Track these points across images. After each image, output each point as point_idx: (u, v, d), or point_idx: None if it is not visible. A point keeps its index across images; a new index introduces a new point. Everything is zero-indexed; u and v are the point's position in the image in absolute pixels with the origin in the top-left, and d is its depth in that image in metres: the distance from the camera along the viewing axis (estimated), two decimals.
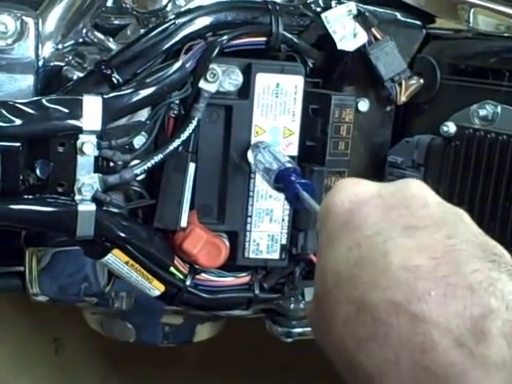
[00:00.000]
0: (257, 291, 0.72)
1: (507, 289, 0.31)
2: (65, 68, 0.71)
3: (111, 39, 0.76)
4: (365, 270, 0.34)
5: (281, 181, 0.58)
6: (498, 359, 0.30)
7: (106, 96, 0.62)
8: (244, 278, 0.72)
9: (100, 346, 1.32)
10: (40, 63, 0.71)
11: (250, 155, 0.67)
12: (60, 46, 0.74)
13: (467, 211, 0.64)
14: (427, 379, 0.31)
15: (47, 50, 0.73)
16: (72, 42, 0.75)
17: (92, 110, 0.61)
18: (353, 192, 0.38)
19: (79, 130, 0.60)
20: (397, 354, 0.31)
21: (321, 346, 0.38)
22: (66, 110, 0.60)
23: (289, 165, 0.60)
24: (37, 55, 0.70)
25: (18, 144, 0.59)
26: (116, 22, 0.81)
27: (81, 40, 0.76)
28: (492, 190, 0.64)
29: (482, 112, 0.66)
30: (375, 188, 0.38)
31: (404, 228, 0.34)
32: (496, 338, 0.30)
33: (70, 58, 0.74)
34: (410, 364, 0.31)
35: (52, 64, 0.73)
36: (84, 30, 0.74)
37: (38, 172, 0.61)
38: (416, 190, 0.37)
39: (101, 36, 0.74)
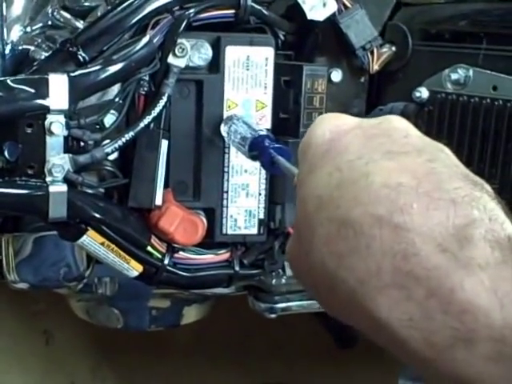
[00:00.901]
0: (237, 268, 0.72)
1: (490, 205, 0.32)
2: (32, 50, 0.70)
3: (81, 21, 0.75)
4: (346, 190, 0.34)
5: (255, 148, 0.58)
6: (482, 261, 0.30)
7: (72, 74, 0.61)
8: (223, 255, 0.72)
9: (90, 336, 1.32)
10: (8, 47, 0.70)
11: (223, 128, 0.67)
12: (28, 29, 0.73)
13: None
14: (409, 282, 0.31)
15: (15, 33, 0.72)
16: (41, 24, 0.74)
17: (58, 89, 0.60)
18: (334, 123, 0.39)
19: (46, 110, 0.60)
20: (379, 263, 0.32)
21: (300, 281, 0.39)
22: (32, 90, 0.59)
23: (262, 132, 0.59)
24: (2, 36, 0.69)
25: None
26: (86, 3, 0.79)
27: (50, 23, 0.75)
28: (466, 154, 0.63)
29: (454, 76, 0.65)
30: (356, 120, 0.39)
31: (385, 152, 0.35)
32: (479, 242, 0.30)
33: (40, 41, 0.73)
34: (391, 271, 0.31)
35: (21, 48, 0.72)
36: (50, 11, 0.73)
37: (6, 154, 0.60)
38: (397, 122, 0.37)
39: (68, 16, 0.73)
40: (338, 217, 0.34)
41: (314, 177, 0.37)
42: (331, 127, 0.38)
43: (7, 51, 0.70)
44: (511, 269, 0.30)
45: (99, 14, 0.77)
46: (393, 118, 0.38)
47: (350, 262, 0.33)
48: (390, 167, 0.33)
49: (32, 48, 0.71)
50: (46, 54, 0.68)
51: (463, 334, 0.30)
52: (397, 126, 0.37)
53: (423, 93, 0.66)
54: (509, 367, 0.29)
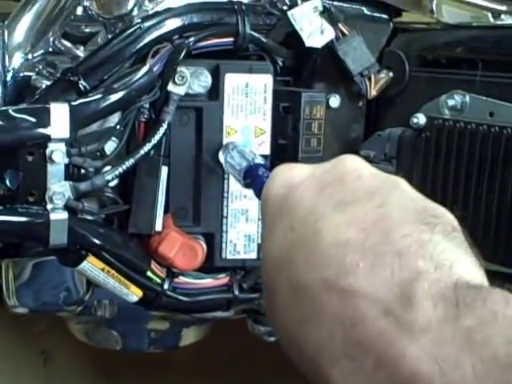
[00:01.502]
0: (236, 292, 0.72)
1: (438, 248, 0.31)
2: (33, 78, 0.71)
3: (82, 47, 0.76)
4: (298, 252, 0.34)
5: (249, 176, 0.58)
6: (424, 322, 0.29)
7: (73, 103, 0.61)
8: (223, 279, 0.72)
9: (89, 357, 1.31)
10: (9, 74, 0.71)
11: (221, 156, 0.67)
12: (30, 56, 0.74)
13: (440, 202, 0.64)
14: (358, 353, 0.30)
15: (16, 60, 0.72)
16: (42, 51, 0.74)
17: (60, 118, 0.60)
18: (286, 177, 0.38)
19: (48, 139, 0.60)
20: (330, 332, 0.31)
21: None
22: (34, 119, 0.60)
23: (256, 161, 0.60)
24: (3, 66, 0.70)
25: None
26: (87, 30, 0.80)
27: (50, 49, 0.76)
28: (463, 179, 0.64)
29: (451, 102, 0.66)
30: (309, 170, 0.38)
31: (336, 204, 0.34)
32: (421, 300, 0.29)
33: (41, 67, 0.73)
34: (342, 340, 0.31)
35: (22, 74, 0.72)
36: (51, 39, 0.74)
37: (7, 182, 0.61)
38: (349, 164, 0.37)
39: (68, 44, 0.74)
40: (292, 282, 0.33)
41: (271, 236, 0.36)
42: (284, 182, 0.38)
43: (8, 78, 0.71)
44: (452, 326, 0.29)
45: (99, 40, 0.78)
46: (346, 160, 0.37)
47: (306, 330, 0.32)
48: (340, 221, 0.33)
49: (33, 75, 0.72)
50: (48, 82, 0.69)
51: None
52: (349, 168, 0.37)
53: (420, 119, 0.66)
54: None
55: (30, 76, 0.71)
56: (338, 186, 0.36)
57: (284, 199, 0.37)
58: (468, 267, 0.31)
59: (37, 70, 0.72)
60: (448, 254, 0.31)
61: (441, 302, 0.29)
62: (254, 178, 0.57)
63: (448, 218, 0.33)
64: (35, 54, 0.74)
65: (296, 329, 0.33)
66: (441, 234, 0.32)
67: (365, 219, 0.33)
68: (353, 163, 0.37)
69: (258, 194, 0.56)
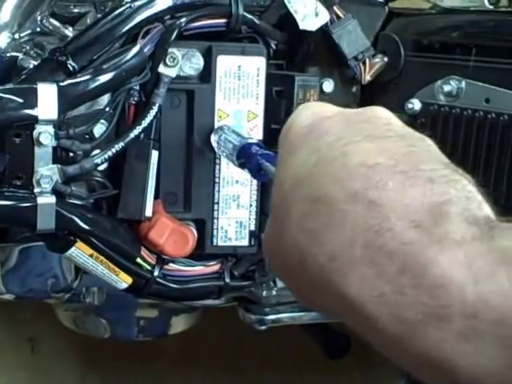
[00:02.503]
0: (227, 279, 0.71)
1: (468, 187, 0.32)
2: (20, 57, 0.69)
3: (70, 28, 0.74)
4: (323, 169, 0.34)
5: (243, 155, 0.57)
6: (457, 237, 0.29)
7: (61, 84, 0.60)
8: (214, 267, 0.71)
9: (77, 344, 1.30)
10: None
11: (213, 138, 0.66)
12: (17, 36, 0.72)
13: None
14: (381, 258, 0.30)
15: (3, 40, 0.71)
16: (29, 31, 0.73)
17: (47, 99, 0.59)
18: (314, 110, 0.38)
19: (35, 120, 0.58)
20: (351, 238, 0.31)
21: (271, 263, 0.38)
22: (21, 100, 0.58)
23: (250, 140, 0.59)
24: None
25: None
26: (75, 10, 0.78)
27: (38, 29, 0.74)
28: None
29: (447, 88, 0.65)
30: (339, 108, 0.39)
31: (366, 136, 0.34)
32: (455, 218, 0.30)
33: (28, 48, 0.72)
34: (363, 246, 0.31)
35: (9, 55, 0.70)
36: (39, 18, 0.72)
37: None
38: (380, 111, 0.37)
39: (57, 23, 0.72)
40: (313, 194, 0.33)
41: (292, 158, 0.36)
42: (314, 113, 0.38)
43: None
44: (487, 245, 0.29)
45: (88, 20, 0.76)
46: (375, 108, 0.38)
47: (321, 238, 0.32)
48: (369, 148, 0.33)
49: (20, 55, 0.70)
50: (35, 63, 0.67)
51: (435, 309, 0.29)
52: (379, 114, 0.37)
53: (416, 104, 0.65)
54: (480, 344, 0.28)
55: (17, 56, 0.70)
56: (367, 124, 0.35)
57: (311, 127, 0.37)
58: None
59: (24, 50, 0.71)
60: (475, 194, 0.32)
61: (474, 225, 0.30)
62: (248, 157, 0.56)
63: (469, 177, 0.34)
64: (22, 34, 0.72)
65: (309, 238, 0.33)
66: (467, 179, 0.32)
67: (394, 151, 0.33)
68: (383, 111, 0.37)
69: (253, 173, 0.55)
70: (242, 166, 0.58)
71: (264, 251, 0.39)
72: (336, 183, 0.32)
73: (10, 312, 1.28)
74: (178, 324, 1.04)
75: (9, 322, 1.30)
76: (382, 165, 0.32)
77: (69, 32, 0.73)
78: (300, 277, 0.34)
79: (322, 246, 0.32)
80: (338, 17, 0.70)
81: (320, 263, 0.32)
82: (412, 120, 0.66)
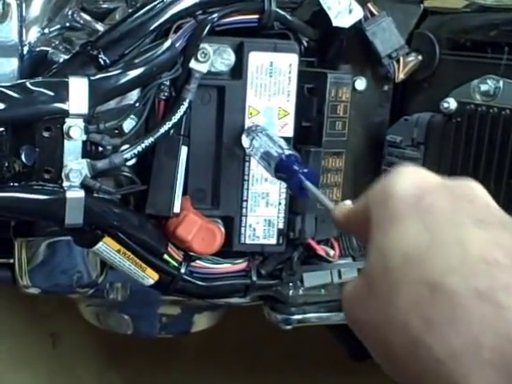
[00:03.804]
0: (254, 278, 0.70)
1: None
2: (51, 51, 0.69)
3: (100, 23, 0.74)
4: (438, 254, 0.33)
5: (283, 170, 0.57)
6: None
7: (92, 78, 0.59)
8: (241, 265, 0.70)
9: (98, 339, 1.31)
10: (26, 48, 0.69)
11: (244, 140, 0.65)
12: (46, 31, 0.72)
13: None
14: (510, 366, 0.30)
15: (33, 34, 0.71)
16: (58, 26, 0.73)
17: (78, 93, 0.58)
18: (416, 178, 0.38)
19: (65, 114, 0.58)
20: (478, 339, 0.30)
21: (356, 329, 0.37)
22: (51, 93, 0.58)
23: (289, 152, 0.58)
24: (21, 39, 0.68)
25: (2, 129, 0.57)
26: (104, 5, 0.78)
27: (68, 24, 0.74)
28: (495, 168, 0.61)
29: (484, 87, 0.63)
30: (439, 179, 0.38)
31: (475, 220, 0.34)
32: None
33: (57, 42, 0.72)
34: (493, 349, 0.30)
35: (38, 49, 0.71)
36: (70, 13, 0.72)
37: (23, 158, 0.59)
38: (477, 189, 0.37)
39: (87, 17, 0.72)
40: (430, 280, 0.33)
41: (397, 230, 0.36)
42: (415, 182, 0.38)
43: (25, 52, 0.69)
44: None
45: (117, 16, 0.76)
46: (473, 184, 0.37)
47: (441, 330, 0.31)
48: (483, 238, 0.33)
49: (50, 50, 0.70)
50: (65, 57, 0.67)
51: None
52: (478, 192, 0.37)
53: (451, 104, 0.64)
54: None
55: (46, 51, 0.70)
56: (469, 204, 0.35)
57: (415, 199, 0.36)
58: None
59: (53, 45, 0.71)
60: None
61: None
62: (288, 173, 0.56)
63: None
64: (52, 29, 0.72)
65: (426, 327, 0.32)
66: None
67: (506, 245, 0.32)
68: (480, 190, 0.37)
69: (295, 191, 0.56)
70: (279, 178, 0.58)
71: (348, 315, 0.38)
72: (455, 274, 0.32)
73: (32, 307, 1.28)
74: (201, 322, 1.03)
75: (31, 316, 1.30)
76: (500, 262, 0.32)
77: (99, 26, 0.73)
78: (404, 361, 0.33)
79: (441, 340, 0.31)
80: (372, 14, 0.68)
81: (437, 357, 0.31)
82: (447, 119, 0.65)
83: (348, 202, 0.48)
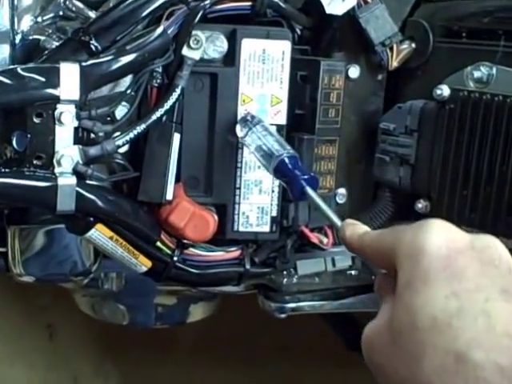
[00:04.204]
0: (248, 266, 0.70)
1: None
2: (43, 39, 0.69)
3: (93, 11, 0.73)
4: (466, 325, 0.36)
5: (283, 172, 0.58)
6: None
7: (84, 63, 0.59)
8: (234, 253, 0.70)
9: (94, 331, 1.31)
10: (18, 37, 0.69)
11: (238, 129, 0.65)
12: (39, 19, 0.72)
13: (463, 177, 0.62)
14: None
15: (26, 23, 0.71)
16: (52, 14, 0.73)
17: (70, 79, 0.58)
18: (449, 237, 0.40)
19: (57, 100, 0.58)
20: None
21: (373, 368, 0.41)
22: (43, 79, 0.58)
23: (288, 153, 0.58)
24: (12, 26, 0.68)
25: None
26: None
27: (61, 13, 0.74)
28: (488, 154, 0.61)
29: (477, 74, 0.63)
30: (468, 238, 0.41)
31: (501, 290, 0.37)
32: None
33: (51, 31, 0.71)
34: None
35: (31, 38, 0.70)
36: (62, 0, 0.72)
37: (14, 144, 0.59)
38: (502, 251, 0.40)
39: (80, 5, 0.71)
40: (457, 350, 0.35)
41: (428, 292, 0.38)
42: (447, 242, 0.40)
43: (17, 41, 0.69)
44: None
45: (111, 4, 0.76)
46: (497, 245, 0.40)
47: None
48: (508, 312, 0.36)
49: (43, 38, 0.70)
50: (57, 44, 0.66)
51: None
52: (502, 254, 0.40)
53: (444, 91, 0.64)
54: None
55: (39, 39, 0.69)
56: (495, 270, 0.38)
57: (448, 260, 0.39)
58: None
59: (46, 34, 0.70)
60: None
61: None
62: (290, 178, 0.57)
63: None
64: (45, 18, 0.72)
65: None
66: None
67: None
68: (504, 251, 0.40)
69: (294, 195, 0.57)
70: (278, 178, 0.59)
71: (368, 357, 0.41)
72: (480, 347, 0.34)
73: (28, 299, 1.28)
74: (197, 312, 1.03)
75: (27, 308, 1.30)
76: None
77: (92, 14, 0.72)
78: None
79: None
80: (366, 1, 0.68)
81: None
82: (440, 106, 0.65)
83: (355, 222, 0.50)
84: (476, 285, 0.37)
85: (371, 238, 0.46)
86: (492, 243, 0.40)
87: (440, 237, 0.40)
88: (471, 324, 0.36)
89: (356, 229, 0.49)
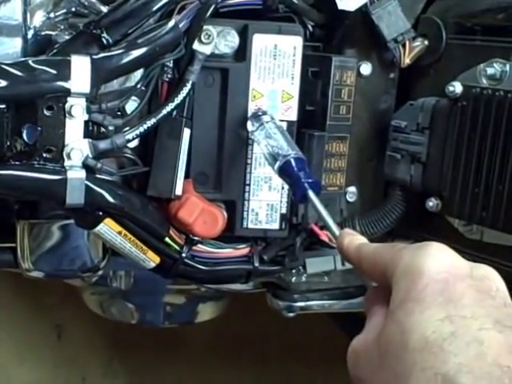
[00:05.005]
0: (256, 263, 0.69)
1: None
2: (55, 33, 0.69)
3: (106, 6, 0.73)
4: (457, 350, 0.36)
5: (287, 173, 0.57)
6: None
7: (95, 56, 0.59)
8: (243, 250, 0.70)
9: (103, 331, 1.31)
10: (31, 32, 0.69)
11: (249, 126, 0.65)
12: (52, 15, 0.72)
13: (474, 175, 0.61)
14: None
15: (38, 18, 0.71)
16: (64, 10, 0.73)
17: (80, 71, 0.58)
18: (449, 262, 0.40)
19: (67, 93, 0.58)
20: None
21: (356, 381, 0.41)
22: (54, 71, 0.57)
23: (296, 154, 0.58)
24: (25, 20, 0.68)
25: (3, 106, 0.56)
26: None
27: (73, 9, 0.74)
28: (500, 152, 0.60)
29: (490, 70, 0.62)
30: (467, 265, 0.41)
31: (495, 321, 0.37)
32: None
33: (63, 27, 0.72)
34: None
35: (44, 33, 0.70)
36: None
37: (25, 137, 0.59)
38: (499, 283, 0.40)
39: None
40: (445, 374, 0.35)
41: (422, 313, 0.38)
42: (447, 267, 0.40)
43: (30, 36, 0.69)
44: None
45: None
46: (495, 276, 0.40)
47: None
48: (500, 342, 0.36)
49: (54, 33, 0.70)
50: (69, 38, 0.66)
51: None
52: (499, 287, 0.40)
53: (457, 87, 0.63)
54: None
55: (51, 35, 0.69)
56: (491, 301, 0.39)
57: (445, 285, 0.39)
58: None
59: (58, 29, 0.70)
60: None
61: None
62: (293, 180, 0.56)
63: None
64: (57, 13, 0.72)
65: None
66: None
67: None
68: (501, 284, 0.40)
69: (297, 199, 0.57)
70: (282, 178, 0.59)
71: (352, 370, 0.42)
72: (469, 374, 0.34)
73: (37, 298, 1.28)
74: (205, 312, 1.03)
75: (36, 307, 1.31)
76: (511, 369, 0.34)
77: (104, 9, 0.72)
78: None
79: None
80: None
81: None
82: (452, 103, 0.64)
83: (353, 232, 0.51)
84: (471, 312, 0.37)
85: (369, 251, 0.46)
86: (491, 274, 0.40)
87: (440, 260, 0.40)
88: (463, 349, 0.35)
89: (354, 239, 0.49)
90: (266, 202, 0.68)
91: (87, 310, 1.05)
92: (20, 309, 1.31)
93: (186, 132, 0.65)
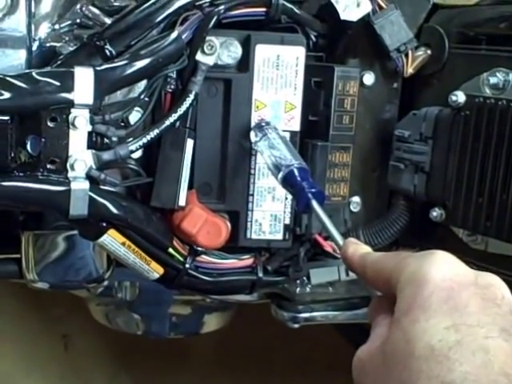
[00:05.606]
0: (260, 274, 0.69)
1: None
2: (59, 45, 0.70)
3: (110, 18, 0.74)
4: (463, 358, 0.35)
5: (291, 183, 0.57)
6: None
7: (98, 68, 0.59)
8: (247, 261, 0.69)
9: (109, 342, 1.31)
10: (36, 44, 0.70)
11: (253, 137, 0.65)
12: (57, 27, 0.73)
13: (478, 184, 0.61)
14: None
15: (43, 30, 0.71)
16: (69, 22, 0.73)
17: (84, 83, 0.58)
18: (454, 270, 0.40)
19: (71, 104, 0.58)
20: None
21: None
22: (57, 83, 0.58)
23: (299, 164, 0.58)
24: (29, 32, 0.68)
25: (7, 118, 0.57)
26: (116, 3, 0.79)
27: (78, 21, 0.75)
28: (504, 161, 0.60)
29: (493, 80, 0.62)
30: (472, 274, 0.41)
31: (501, 329, 0.37)
32: None
33: (68, 39, 0.72)
34: None
35: (48, 45, 0.71)
36: (79, 7, 0.73)
37: (29, 148, 0.59)
38: (504, 291, 0.40)
39: (96, 11, 0.72)
40: (451, 382, 0.35)
41: (428, 322, 0.38)
42: (452, 275, 0.40)
43: (34, 48, 0.69)
44: None
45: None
46: (501, 284, 0.40)
47: None
48: (506, 351, 0.36)
49: (59, 45, 0.71)
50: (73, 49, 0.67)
51: None
52: (505, 295, 0.40)
53: (460, 97, 0.63)
54: None
55: (56, 46, 0.70)
56: (497, 309, 0.38)
57: (450, 292, 0.39)
58: None
59: (63, 41, 0.71)
60: None
61: None
62: (297, 190, 0.56)
63: None
64: (62, 25, 0.73)
65: None
66: None
67: None
68: (507, 292, 0.40)
69: (300, 208, 0.57)
70: (285, 188, 0.58)
71: (358, 376, 0.42)
72: (475, 382, 0.34)
73: (44, 309, 1.28)
74: (211, 323, 1.03)
75: (43, 318, 1.31)
76: None
77: (108, 21, 0.73)
78: None
79: None
80: (381, 7, 0.68)
81: None
82: (455, 113, 0.64)
83: (357, 241, 0.51)
84: (477, 320, 0.37)
85: (373, 259, 0.46)
86: (496, 282, 0.40)
87: (445, 269, 0.40)
88: (469, 358, 0.35)
89: (358, 248, 0.49)
90: (269, 212, 0.68)
91: (94, 321, 1.05)
92: (26, 320, 1.31)
93: (190, 143, 0.65)
